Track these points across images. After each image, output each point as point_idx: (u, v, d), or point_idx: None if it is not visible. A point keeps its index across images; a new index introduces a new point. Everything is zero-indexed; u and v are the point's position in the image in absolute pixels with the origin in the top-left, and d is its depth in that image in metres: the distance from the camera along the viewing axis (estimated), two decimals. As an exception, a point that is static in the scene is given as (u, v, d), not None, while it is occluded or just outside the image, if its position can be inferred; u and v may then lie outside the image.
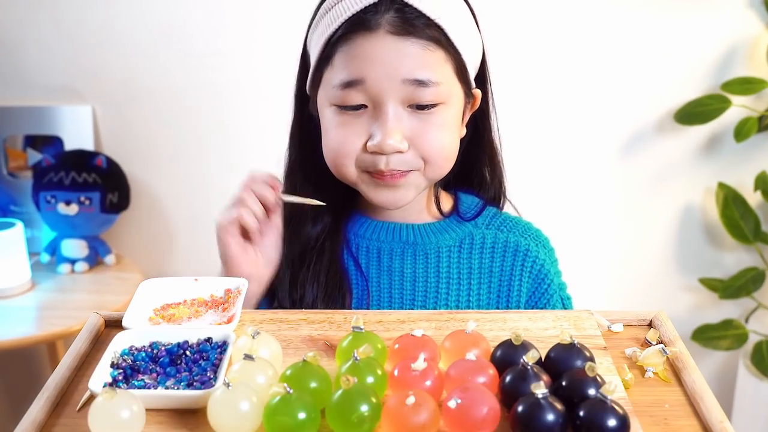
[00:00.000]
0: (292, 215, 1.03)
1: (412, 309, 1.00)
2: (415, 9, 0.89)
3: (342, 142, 0.93)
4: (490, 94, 1.04)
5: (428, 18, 0.90)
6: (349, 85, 0.91)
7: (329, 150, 0.96)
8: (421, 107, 0.91)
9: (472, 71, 0.97)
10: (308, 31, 0.99)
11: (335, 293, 1.01)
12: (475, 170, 1.08)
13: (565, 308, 1.05)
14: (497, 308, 1.03)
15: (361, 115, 0.93)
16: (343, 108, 0.93)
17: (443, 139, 0.94)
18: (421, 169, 0.95)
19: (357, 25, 0.90)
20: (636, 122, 2.08)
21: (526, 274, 1.04)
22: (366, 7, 0.90)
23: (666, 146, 2.10)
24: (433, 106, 0.92)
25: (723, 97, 1.98)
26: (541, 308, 1.04)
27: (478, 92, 1.00)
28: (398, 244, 1.03)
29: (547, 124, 2.08)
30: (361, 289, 1.02)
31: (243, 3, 2.01)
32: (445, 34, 0.91)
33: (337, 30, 0.91)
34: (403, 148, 0.92)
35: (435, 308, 1.01)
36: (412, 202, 1.00)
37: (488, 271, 1.03)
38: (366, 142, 0.92)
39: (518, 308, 1.03)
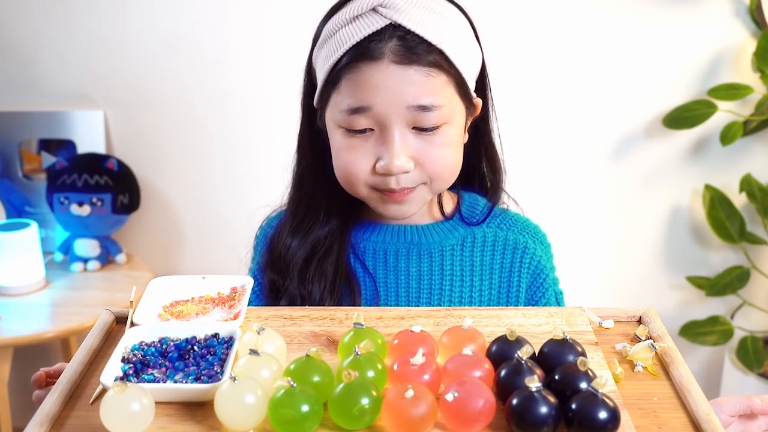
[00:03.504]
0: (307, 212, 1.04)
1: (418, 306, 1.00)
2: (417, 36, 0.89)
3: (352, 166, 0.94)
4: (490, 100, 1.04)
5: (429, 44, 0.89)
6: (356, 111, 0.91)
7: (340, 171, 0.97)
8: (425, 129, 0.92)
9: (472, 83, 0.97)
10: (312, 48, 0.98)
11: (342, 289, 1.01)
12: (476, 170, 1.09)
13: (558, 302, 1.06)
14: (498, 304, 1.04)
15: (368, 138, 0.93)
16: (351, 131, 0.93)
17: (447, 156, 0.94)
18: (428, 184, 0.96)
19: (362, 54, 0.89)
20: (626, 126, 2.08)
21: (525, 270, 1.04)
22: (369, 35, 0.89)
23: (655, 149, 2.10)
24: (437, 127, 0.92)
25: (709, 103, 1.98)
26: (537, 302, 1.05)
27: (478, 101, 1.00)
28: (404, 245, 1.03)
29: (541, 128, 2.08)
30: (370, 290, 1.03)
31: (251, 10, 2.01)
32: (446, 58, 0.91)
33: (342, 57, 0.91)
34: (410, 168, 0.92)
35: (439, 305, 1.01)
36: None
37: (489, 267, 1.04)
38: (374, 164, 0.93)
39: (518, 303, 1.04)
